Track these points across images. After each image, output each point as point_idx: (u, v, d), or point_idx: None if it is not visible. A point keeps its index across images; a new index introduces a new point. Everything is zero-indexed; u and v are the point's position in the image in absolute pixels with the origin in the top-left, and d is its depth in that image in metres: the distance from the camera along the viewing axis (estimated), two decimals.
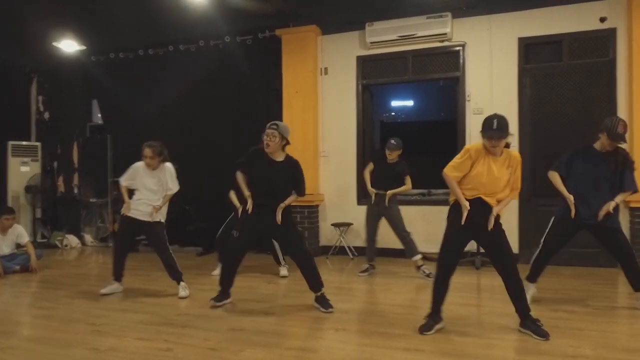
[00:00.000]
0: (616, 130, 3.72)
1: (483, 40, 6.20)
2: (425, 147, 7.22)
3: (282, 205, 3.97)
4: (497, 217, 3.32)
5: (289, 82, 6.96)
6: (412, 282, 5.15)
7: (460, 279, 5.13)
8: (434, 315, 3.45)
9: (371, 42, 6.54)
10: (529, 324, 3.32)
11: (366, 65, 6.79)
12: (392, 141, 5.32)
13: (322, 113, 7.02)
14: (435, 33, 6.25)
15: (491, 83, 6.18)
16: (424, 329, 3.39)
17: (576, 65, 5.83)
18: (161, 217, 4.60)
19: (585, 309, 4.00)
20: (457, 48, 6.32)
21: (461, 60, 6.31)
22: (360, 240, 6.39)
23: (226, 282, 4.19)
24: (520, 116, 6.04)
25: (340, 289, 4.85)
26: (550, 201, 5.87)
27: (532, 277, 4.19)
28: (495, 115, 3.22)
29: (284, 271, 5.48)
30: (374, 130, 8.01)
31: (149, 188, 4.54)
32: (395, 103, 9.71)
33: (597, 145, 3.90)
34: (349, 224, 6.60)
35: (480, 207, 3.28)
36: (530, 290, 4.09)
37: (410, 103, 9.88)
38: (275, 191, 3.99)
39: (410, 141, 6.14)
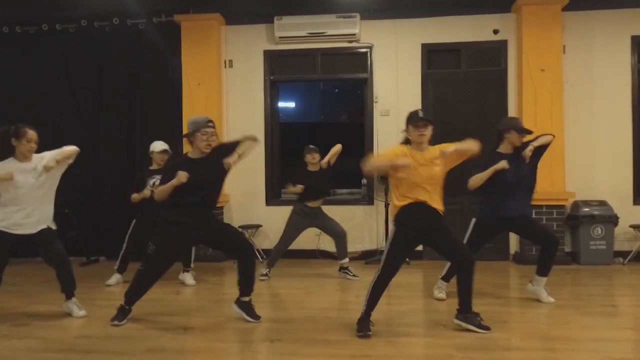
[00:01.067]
0: (521, 124, 4.01)
1: (389, 43, 6.34)
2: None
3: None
4: (442, 218, 3.32)
5: (189, 73, 6.42)
6: (329, 283, 5.03)
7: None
8: (367, 317, 3.35)
9: (280, 37, 6.31)
10: (473, 318, 3.37)
11: (274, 61, 6.55)
12: (311, 145, 5.18)
13: (226, 108, 6.60)
14: (345, 33, 6.23)
15: (397, 86, 6.34)
16: (363, 330, 3.27)
17: (473, 72, 6.24)
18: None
19: (499, 301, 4.23)
20: (365, 50, 6.38)
21: (369, 62, 6.38)
22: (269, 243, 6.12)
23: (136, 296, 3.65)
24: None
25: (259, 295, 4.53)
26: (453, 199, 6.26)
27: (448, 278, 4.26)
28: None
29: (190, 280, 5.00)
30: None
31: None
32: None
33: (502, 149, 4.04)
34: (257, 226, 6.29)
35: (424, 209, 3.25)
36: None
37: (292, 104, 9.89)
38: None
39: (312, 143, 6.04)
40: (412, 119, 3.32)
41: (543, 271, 4.10)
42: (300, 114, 9.96)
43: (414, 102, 6.29)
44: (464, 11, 6.18)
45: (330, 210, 6.36)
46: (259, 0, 6.35)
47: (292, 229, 5.14)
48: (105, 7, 6.34)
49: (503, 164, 3.80)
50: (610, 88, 5.99)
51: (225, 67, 6.59)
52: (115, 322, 3.57)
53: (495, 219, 4.01)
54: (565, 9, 5.86)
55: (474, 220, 4.17)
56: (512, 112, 6.13)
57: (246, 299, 3.67)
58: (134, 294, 3.63)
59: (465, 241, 3.97)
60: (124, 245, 5.04)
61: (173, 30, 6.49)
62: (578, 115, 5.97)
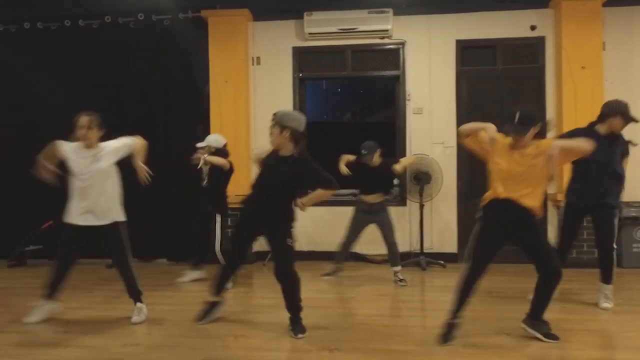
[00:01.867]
0: (629, 112, 3.82)
1: (422, 39, 6.17)
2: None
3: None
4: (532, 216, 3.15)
5: (217, 71, 6.26)
6: (369, 288, 4.87)
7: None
8: (454, 323, 3.21)
9: (310, 33, 6.14)
10: (542, 326, 3.22)
11: (303, 58, 6.38)
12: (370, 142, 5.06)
13: (254, 106, 6.44)
14: (377, 29, 6.06)
15: (430, 83, 6.17)
16: (445, 339, 3.13)
17: (509, 70, 6.07)
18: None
19: (555, 307, 4.06)
20: (397, 46, 6.21)
21: (401, 59, 6.22)
22: (301, 244, 5.95)
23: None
24: (457, 117, 6.13)
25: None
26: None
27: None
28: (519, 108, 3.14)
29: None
30: None
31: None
32: None
33: (600, 128, 3.89)
34: None
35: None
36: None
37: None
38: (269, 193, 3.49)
39: (343, 142, 5.89)
40: (508, 127, 3.13)
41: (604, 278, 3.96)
42: (320, 113, 9.80)
43: (448, 100, 6.15)
44: (500, 7, 6.01)
45: (334, 211, 6.28)
46: None
47: (352, 225, 5.10)
48: (130, 3, 6.20)
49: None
50: None
51: (253, 65, 6.43)
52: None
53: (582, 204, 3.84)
54: (606, 4, 5.69)
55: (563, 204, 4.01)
56: (550, 110, 5.97)
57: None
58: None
59: (559, 232, 3.86)
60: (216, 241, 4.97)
61: (199, 26, 6.34)
62: None
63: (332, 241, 5.56)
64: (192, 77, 6.51)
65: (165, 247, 6.40)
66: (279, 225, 3.44)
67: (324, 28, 6.10)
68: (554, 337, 3.18)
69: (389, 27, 6.03)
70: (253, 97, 6.43)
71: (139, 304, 3.76)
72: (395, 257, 4.98)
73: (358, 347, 3.16)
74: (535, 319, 3.23)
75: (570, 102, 5.71)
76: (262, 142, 6.28)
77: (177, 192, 6.32)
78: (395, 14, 6.04)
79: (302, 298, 3.44)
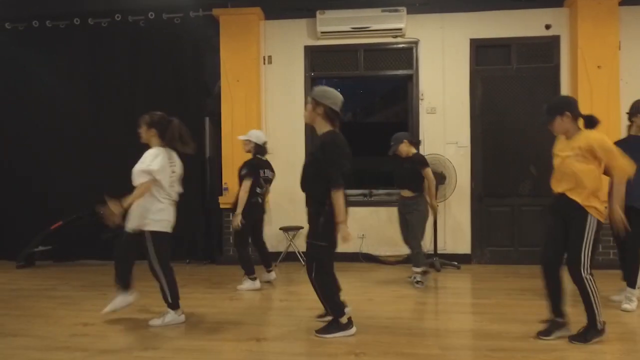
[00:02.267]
0: None
1: (436, 38, 6.12)
2: (370, 148, 6.95)
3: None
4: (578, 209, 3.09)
5: (228, 70, 6.20)
6: (385, 289, 4.81)
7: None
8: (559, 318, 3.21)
9: (322, 32, 6.08)
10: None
11: (315, 57, 6.32)
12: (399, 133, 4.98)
13: (265, 106, 6.38)
14: (390, 27, 6.00)
15: (443, 83, 6.12)
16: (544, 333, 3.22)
17: (524, 69, 6.02)
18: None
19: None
20: (411, 45, 6.16)
21: (414, 58, 6.16)
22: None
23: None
24: (471, 117, 6.07)
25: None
26: (501, 201, 6.07)
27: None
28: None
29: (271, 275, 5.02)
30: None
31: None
32: None
33: (634, 131, 3.96)
34: (298, 228, 6.06)
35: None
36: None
37: None
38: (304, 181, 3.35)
39: (356, 141, 5.82)
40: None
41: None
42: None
43: (462, 99, 6.10)
44: (514, 5, 5.96)
45: (374, 212, 6.24)
46: None
47: (399, 223, 5.04)
48: (141, 1, 6.15)
49: None
50: None
51: (265, 64, 6.36)
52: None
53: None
54: (622, 3, 5.64)
55: None
56: None
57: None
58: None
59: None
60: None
61: (211, 24, 6.28)
62: None
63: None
64: (203, 75, 6.46)
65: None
66: (312, 219, 3.26)
67: (337, 27, 6.05)
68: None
69: (402, 25, 5.98)
70: (264, 97, 6.37)
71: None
72: (415, 258, 4.87)
73: (385, 351, 3.09)
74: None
75: (586, 102, 5.64)
76: (273, 141, 6.23)
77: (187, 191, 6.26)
78: (408, 12, 5.99)
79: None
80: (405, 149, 4.86)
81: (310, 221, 3.29)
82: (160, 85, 6.36)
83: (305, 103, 3.27)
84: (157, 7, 6.26)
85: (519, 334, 3.36)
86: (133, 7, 6.28)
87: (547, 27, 5.95)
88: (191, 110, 6.28)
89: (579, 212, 3.06)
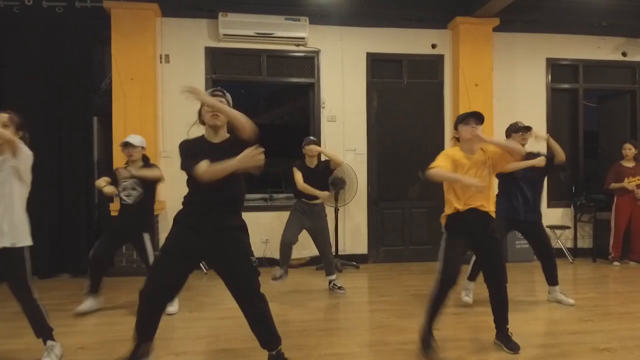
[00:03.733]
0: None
1: (335, 50, 6.37)
2: (271, 150, 6.98)
3: None
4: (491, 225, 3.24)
5: (121, 67, 5.78)
6: (293, 292, 4.87)
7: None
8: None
9: (224, 34, 5.98)
10: (503, 337, 3.30)
11: (216, 59, 6.19)
12: (311, 137, 4.97)
13: (162, 106, 6.08)
14: (293, 36, 6.11)
15: (343, 92, 6.40)
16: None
17: (413, 83, 6.54)
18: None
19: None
20: (312, 54, 6.33)
21: (316, 67, 6.35)
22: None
23: None
24: (368, 126, 6.43)
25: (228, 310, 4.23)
26: (393, 204, 6.50)
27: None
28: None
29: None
30: None
31: None
32: None
33: None
34: None
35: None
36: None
37: None
38: None
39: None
40: (461, 119, 3.17)
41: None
42: None
43: (359, 109, 6.43)
44: (406, 24, 6.45)
45: (276, 217, 6.27)
46: None
47: (294, 226, 4.77)
48: None
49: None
50: (529, 103, 6.69)
51: (162, 62, 6.07)
52: None
53: None
54: (495, 29, 6.42)
55: None
56: (448, 122, 6.53)
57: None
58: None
59: None
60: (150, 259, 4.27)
61: (98, 18, 5.81)
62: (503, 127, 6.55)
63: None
64: (90, 72, 5.96)
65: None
66: None
67: (240, 30, 6.00)
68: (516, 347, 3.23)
69: (304, 35, 6.13)
70: (161, 97, 6.06)
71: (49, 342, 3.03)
72: (331, 265, 4.91)
73: (308, 354, 3.16)
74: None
75: None
76: (170, 144, 5.96)
77: (73, 198, 5.73)
78: (311, 22, 6.15)
79: None
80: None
81: None
82: (39, 82, 5.71)
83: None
84: None
85: None
86: None
87: (434, 46, 6.54)
88: (77, 109, 5.75)
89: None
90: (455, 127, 3.26)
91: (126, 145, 4.20)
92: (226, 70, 6.24)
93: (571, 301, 4.31)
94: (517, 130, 4.34)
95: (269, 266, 6.08)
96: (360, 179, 6.23)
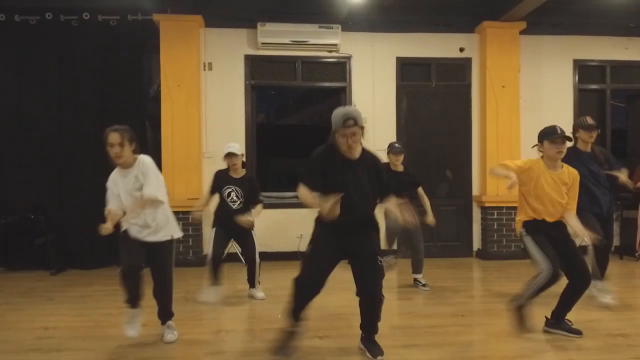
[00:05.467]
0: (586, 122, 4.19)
1: (366, 55, 6.72)
2: (304, 150, 7.37)
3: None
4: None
5: (169, 75, 6.29)
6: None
7: None
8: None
9: (262, 43, 6.41)
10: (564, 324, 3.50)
11: (255, 65, 6.63)
12: (396, 144, 5.05)
13: (205, 111, 6.55)
14: (326, 43, 6.49)
15: (373, 95, 6.73)
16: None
17: (442, 86, 6.82)
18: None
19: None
20: (344, 60, 6.69)
21: (347, 72, 6.70)
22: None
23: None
24: (397, 128, 6.75)
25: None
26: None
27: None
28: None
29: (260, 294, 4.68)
30: None
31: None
32: None
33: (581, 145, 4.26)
34: None
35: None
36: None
37: None
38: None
39: (290, 143, 6.27)
40: (549, 135, 3.30)
41: None
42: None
43: (389, 111, 6.75)
44: (434, 29, 6.74)
45: (312, 213, 6.63)
46: (242, 5, 6.43)
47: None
48: (76, 2, 6.06)
49: None
50: (556, 104, 6.86)
51: (205, 70, 6.54)
52: None
53: None
54: (522, 32, 6.62)
55: None
56: (475, 123, 6.79)
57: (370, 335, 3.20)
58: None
59: None
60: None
61: (149, 29, 6.33)
62: (530, 128, 6.74)
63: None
64: (141, 79, 6.49)
65: None
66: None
67: (277, 39, 6.41)
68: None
69: (337, 41, 6.49)
70: (204, 102, 6.54)
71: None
72: (420, 263, 5.10)
73: (344, 333, 3.53)
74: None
75: (492, 117, 6.58)
76: (212, 146, 6.43)
77: None
78: (343, 29, 6.51)
79: None
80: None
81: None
82: (95, 88, 6.27)
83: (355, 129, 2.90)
84: (92, 9, 6.19)
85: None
86: (67, 6, 6.15)
87: (461, 50, 6.80)
88: (131, 113, 6.27)
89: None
90: (540, 141, 3.40)
91: (229, 155, 4.54)
92: (264, 76, 6.67)
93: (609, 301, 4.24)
94: (586, 127, 4.19)
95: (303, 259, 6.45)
96: None
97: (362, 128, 2.91)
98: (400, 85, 6.75)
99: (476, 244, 6.84)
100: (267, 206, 5.57)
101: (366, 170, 3.00)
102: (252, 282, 4.64)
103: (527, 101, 6.77)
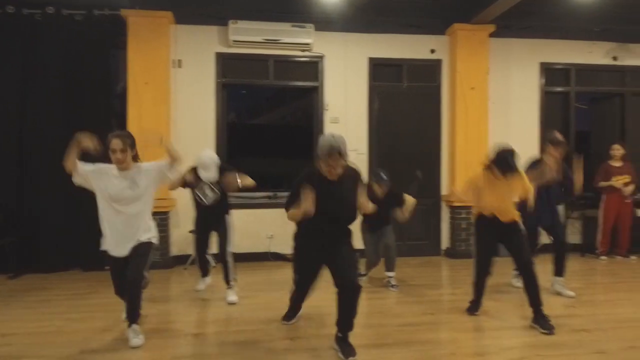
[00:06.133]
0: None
1: (339, 55, 6.71)
2: (276, 150, 7.36)
3: None
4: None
5: (136, 72, 6.14)
6: None
7: None
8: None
9: (234, 41, 6.33)
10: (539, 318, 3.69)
11: (226, 63, 6.54)
12: (383, 175, 4.96)
13: (174, 109, 6.43)
14: (299, 42, 6.45)
15: (345, 95, 6.74)
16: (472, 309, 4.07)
17: (413, 87, 6.88)
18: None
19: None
20: (317, 59, 6.68)
21: (319, 71, 6.69)
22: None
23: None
24: (369, 128, 6.78)
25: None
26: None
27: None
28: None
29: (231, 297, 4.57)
30: None
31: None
32: None
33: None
34: None
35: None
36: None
37: None
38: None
39: (262, 143, 6.23)
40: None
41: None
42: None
43: (361, 111, 6.77)
44: (407, 30, 6.79)
45: (281, 213, 6.58)
46: (215, 2, 6.34)
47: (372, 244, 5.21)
48: None
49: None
50: (523, 106, 7.02)
51: (174, 67, 6.42)
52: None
53: None
54: (491, 35, 6.74)
55: None
56: (445, 124, 6.88)
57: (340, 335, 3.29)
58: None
59: None
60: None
61: (117, 25, 6.17)
62: (498, 130, 6.87)
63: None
64: (107, 76, 6.32)
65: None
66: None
67: (249, 37, 6.34)
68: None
69: (310, 41, 6.47)
70: (174, 100, 6.42)
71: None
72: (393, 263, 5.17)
73: (316, 334, 3.51)
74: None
75: (462, 119, 6.67)
76: (182, 145, 6.28)
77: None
78: (316, 29, 6.49)
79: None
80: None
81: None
82: (60, 85, 6.06)
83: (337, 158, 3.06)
84: (57, 2, 5.99)
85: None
86: (31, 0, 5.94)
87: (432, 51, 6.88)
88: (96, 111, 6.10)
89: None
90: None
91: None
92: (235, 75, 6.59)
93: (571, 293, 4.56)
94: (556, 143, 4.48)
95: (274, 260, 6.43)
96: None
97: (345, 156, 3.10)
98: (372, 85, 6.79)
99: (445, 242, 6.93)
100: (237, 207, 5.53)
101: (347, 185, 3.20)
102: (227, 280, 4.60)
103: (496, 103, 6.90)
